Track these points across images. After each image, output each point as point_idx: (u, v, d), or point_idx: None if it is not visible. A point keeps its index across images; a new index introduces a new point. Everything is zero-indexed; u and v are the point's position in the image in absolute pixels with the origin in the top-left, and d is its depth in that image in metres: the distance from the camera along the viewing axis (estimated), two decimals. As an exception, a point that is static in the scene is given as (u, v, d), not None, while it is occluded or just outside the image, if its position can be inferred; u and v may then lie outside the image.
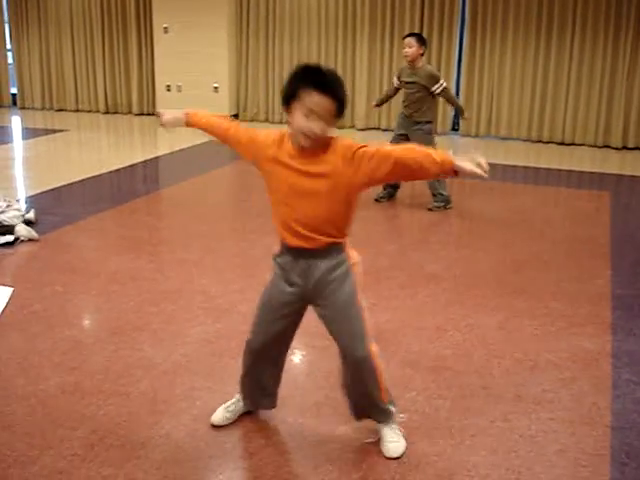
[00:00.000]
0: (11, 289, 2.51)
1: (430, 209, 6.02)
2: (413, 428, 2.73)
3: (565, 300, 4.09)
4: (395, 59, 9.84)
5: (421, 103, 5.90)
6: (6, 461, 2.51)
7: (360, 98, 10.13)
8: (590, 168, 8.10)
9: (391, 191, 6.26)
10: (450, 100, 6.24)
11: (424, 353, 3.41)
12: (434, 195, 6.05)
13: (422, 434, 2.71)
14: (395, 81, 6.18)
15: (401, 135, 6.00)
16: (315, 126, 2.22)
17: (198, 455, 2.57)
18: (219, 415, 2.78)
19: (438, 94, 5.92)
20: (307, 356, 3.36)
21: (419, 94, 5.88)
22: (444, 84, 5.92)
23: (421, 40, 5.91)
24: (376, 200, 6.22)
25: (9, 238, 4.93)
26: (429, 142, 5.81)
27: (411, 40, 5.86)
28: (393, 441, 2.60)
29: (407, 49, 5.85)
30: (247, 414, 2.81)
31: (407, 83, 5.95)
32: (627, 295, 4.19)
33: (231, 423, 2.76)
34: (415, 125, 5.93)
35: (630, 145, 9.15)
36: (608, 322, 3.79)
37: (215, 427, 2.75)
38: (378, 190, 6.23)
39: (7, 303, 2.47)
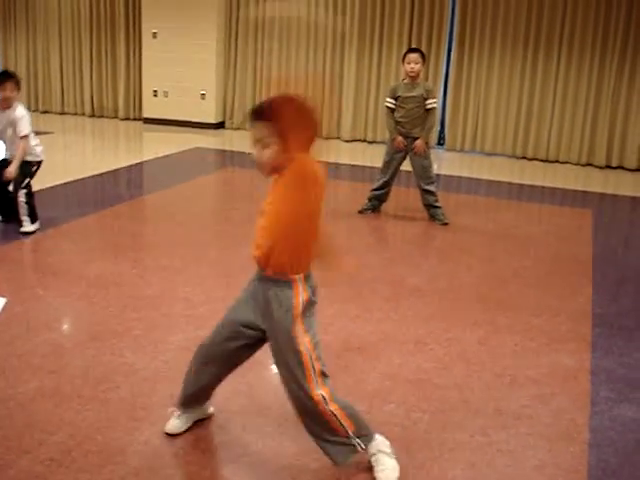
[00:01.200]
0: (4, 299, 2.49)
1: (446, 223, 6.00)
2: (391, 441, 2.71)
3: (546, 316, 4.12)
4: (383, 72, 9.90)
5: (422, 117, 5.89)
6: (-18, 465, 2.49)
7: (347, 109, 10.16)
8: (573, 186, 8.17)
9: (375, 204, 6.24)
10: (430, 121, 5.97)
11: (404, 366, 3.42)
12: (438, 207, 6.03)
13: (401, 447, 2.70)
14: (389, 102, 5.95)
15: (400, 155, 5.98)
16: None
17: (176, 463, 2.56)
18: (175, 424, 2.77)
19: (428, 110, 5.91)
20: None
21: (419, 108, 5.87)
22: (436, 104, 5.98)
23: (424, 56, 5.94)
24: (360, 212, 6.23)
25: (37, 225, 5.34)
26: (429, 156, 6.01)
27: (418, 57, 5.82)
28: (379, 470, 2.51)
29: (413, 65, 5.80)
30: (224, 423, 2.81)
31: (408, 98, 5.85)
32: (607, 313, 4.23)
33: (210, 431, 2.75)
34: (416, 142, 5.91)
35: (613, 164, 9.24)
36: (588, 339, 3.82)
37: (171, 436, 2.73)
38: (362, 202, 6.25)
39: None
